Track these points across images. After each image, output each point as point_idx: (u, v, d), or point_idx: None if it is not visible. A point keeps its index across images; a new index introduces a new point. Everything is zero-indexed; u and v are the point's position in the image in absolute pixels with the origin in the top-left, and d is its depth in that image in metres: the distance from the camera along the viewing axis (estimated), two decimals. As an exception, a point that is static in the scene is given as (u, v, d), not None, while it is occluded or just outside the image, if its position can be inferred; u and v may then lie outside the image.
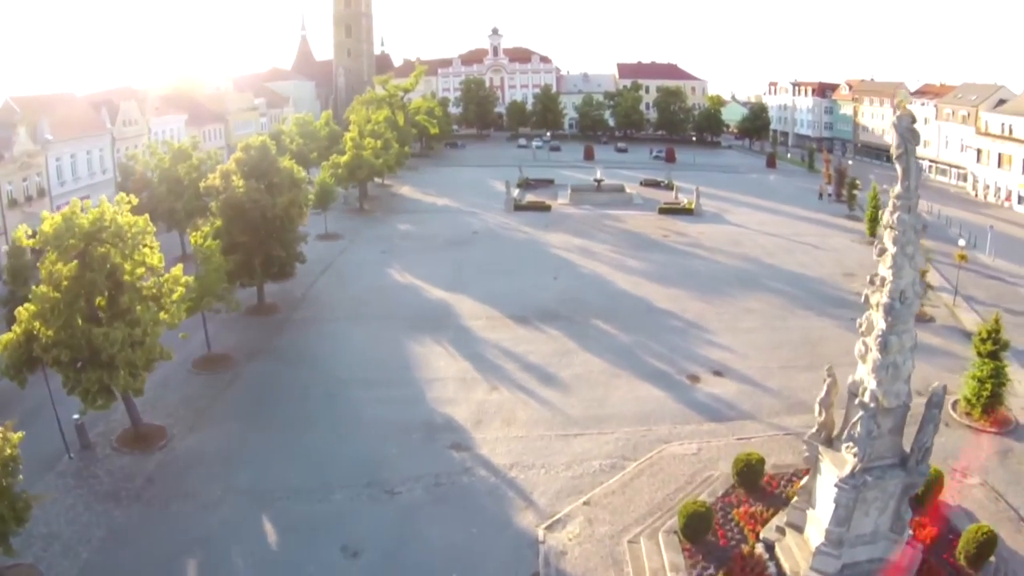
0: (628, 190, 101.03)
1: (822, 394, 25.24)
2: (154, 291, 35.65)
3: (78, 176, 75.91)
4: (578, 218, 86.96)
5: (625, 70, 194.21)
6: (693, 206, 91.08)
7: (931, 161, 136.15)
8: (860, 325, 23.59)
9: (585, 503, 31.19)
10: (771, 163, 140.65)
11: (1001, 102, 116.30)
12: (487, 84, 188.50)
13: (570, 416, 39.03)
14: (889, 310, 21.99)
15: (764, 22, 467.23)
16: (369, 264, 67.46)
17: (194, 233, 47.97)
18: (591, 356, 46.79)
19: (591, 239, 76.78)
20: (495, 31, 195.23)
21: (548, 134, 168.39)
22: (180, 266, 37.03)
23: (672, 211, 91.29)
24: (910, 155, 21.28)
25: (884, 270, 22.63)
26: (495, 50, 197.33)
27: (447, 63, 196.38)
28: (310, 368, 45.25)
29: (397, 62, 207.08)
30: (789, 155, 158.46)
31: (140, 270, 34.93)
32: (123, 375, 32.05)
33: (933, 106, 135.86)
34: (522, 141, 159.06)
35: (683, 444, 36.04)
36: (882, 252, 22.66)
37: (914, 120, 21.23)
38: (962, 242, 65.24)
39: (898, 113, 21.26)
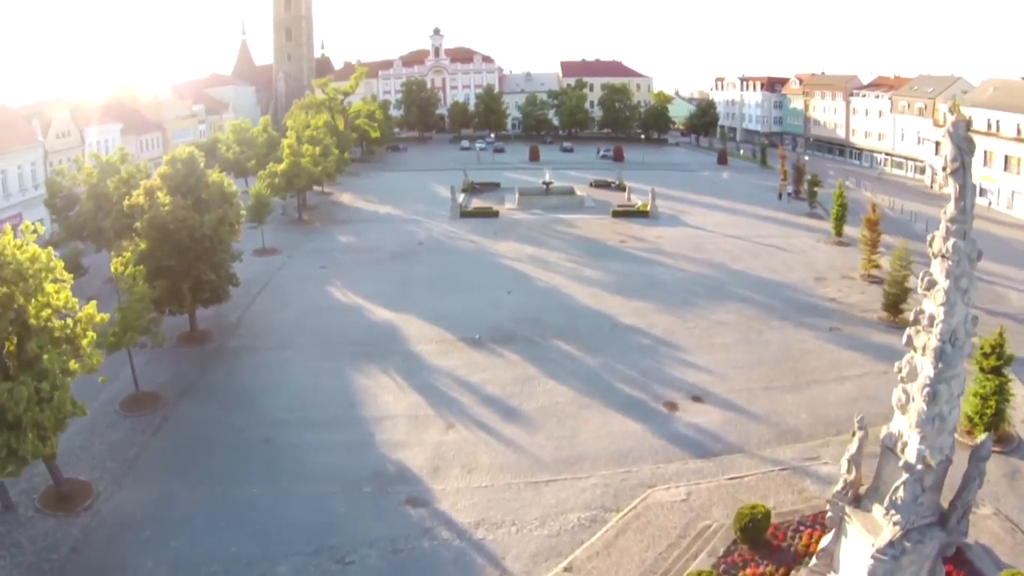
0: (578, 192, 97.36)
1: (852, 450, 21.35)
2: (66, 333, 30.66)
3: (9, 193, 69.28)
4: (528, 224, 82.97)
5: (569, 68, 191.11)
6: (648, 208, 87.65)
7: (887, 154, 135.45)
8: (899, 370, 19.78)
9: (566, 569, 26.99)
10: (722, 160, 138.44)
11: (962, 94, 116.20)
12: (428, 85, 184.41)
13: (539, 458, 34.73)
14: (939, 355, 18.25)
15: (708, 18, 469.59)
16: (309, 281, 62.29)
17: (116, 259, 43.10)
18: (556, 384, 42.51)
19: (544, 247, 72.74)
20: (436, 31, 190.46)
21: (492, 135, 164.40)
22: (94, 303, 31.89)
23: (627, 214, 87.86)
24: (967, 169, 17.52)
25: (933, 307, 18.81)
26: (436, 51, 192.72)
27: (388, 65, 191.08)
28: (246, 408, 40.11)
29: (338, 65, 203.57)
30: (741, 151, 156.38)
31: (46, 312, 30.05)
32: (31, 439, 27.07)
33: (888, 99, 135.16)
34: (465, 143, 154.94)
35: (669, 488, 32.00)
36: (931, 286, 18.81)
37: (969, 126, 17.47)
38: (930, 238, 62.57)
39: (952, 119, 17.39)
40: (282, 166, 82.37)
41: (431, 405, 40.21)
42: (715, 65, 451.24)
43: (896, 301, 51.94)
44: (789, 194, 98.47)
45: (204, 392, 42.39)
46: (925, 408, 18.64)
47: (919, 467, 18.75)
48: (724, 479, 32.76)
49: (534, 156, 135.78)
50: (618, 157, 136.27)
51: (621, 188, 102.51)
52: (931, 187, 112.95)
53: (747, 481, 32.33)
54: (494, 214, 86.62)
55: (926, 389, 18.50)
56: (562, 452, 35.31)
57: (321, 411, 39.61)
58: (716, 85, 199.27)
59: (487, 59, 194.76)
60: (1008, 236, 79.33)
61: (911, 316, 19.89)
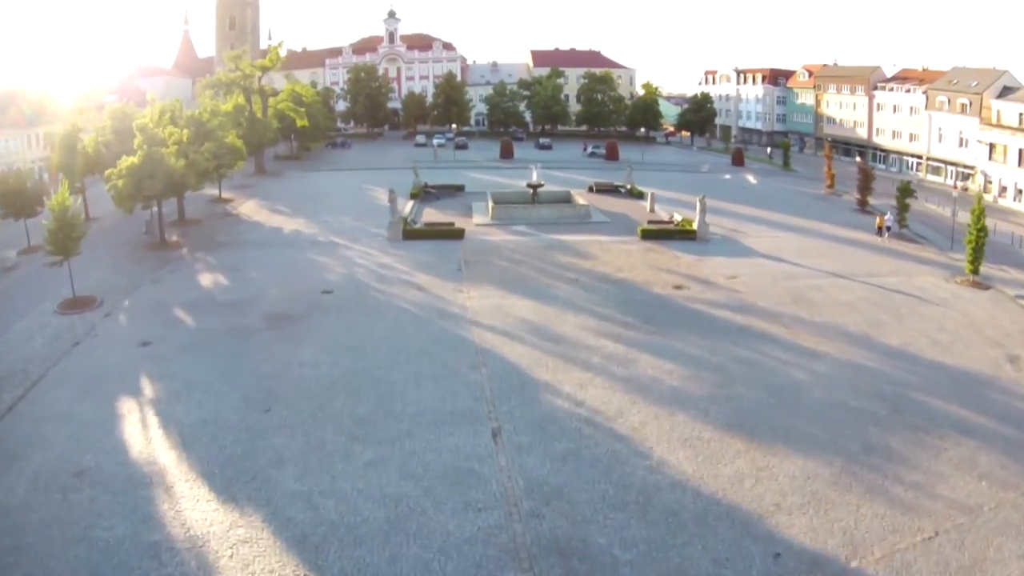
0: (578, 200, 65.26)
1: None
2: None
3: None
4: (512, 251, 50.72)
5: (541, 58, 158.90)
6: (695, 225, 55.47)
7: (921, 157, 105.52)
8: None
9: None
10: (738, 160, 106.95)
11: (1007, 90, 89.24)
12: (380, 73, 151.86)
13: None
14: None
15: (691, 8, 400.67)
16: (107, 383, 29.16)
17: None
18: None
19: (546, 299, 40.03)
20: (391, 14, 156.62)
21: (453, 127, 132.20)
22: None
23: (662, 234, 55.92)
24: None
25: None
26: (391, 36, 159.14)
27: (336, 53, 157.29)
28: None
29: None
30: (770, 152, 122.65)
31: None
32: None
33: (923, 93, 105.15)
34: (420, 139, 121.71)
35: None
36: None
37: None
38: None
39: None
40: (131, 160, 49.60)
41: None
42: (700, 59, 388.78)
43: None
44: (889, 228, 59.77)
45: None
46: None
47: None
48: None
49: (506, 153, 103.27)
50: (612, 155, 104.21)
51: (635, 194, 70.82)
52: (992, 199, 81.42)
53: None
54: (456, 234, 53.95)
55: None
56: None
57: None
58: (706, 79, 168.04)
59: (448, 46, 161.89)
60: None
61: None
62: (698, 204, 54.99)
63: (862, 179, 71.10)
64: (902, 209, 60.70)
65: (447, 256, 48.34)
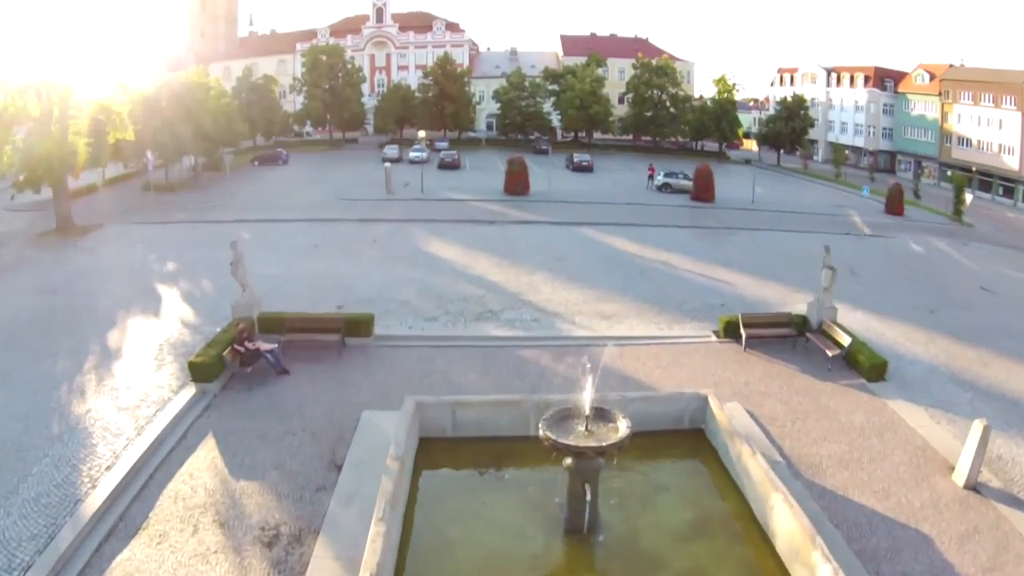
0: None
1: None
2: None
3: None
4: None
5: (572, 45, 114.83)
6: None
7: None
8: None
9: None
10: (896, 205, 61.09)
11: None
12: (365, 63, 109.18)
13: None
14: None
15: None
16: None
17: None
18: None
19: None
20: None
21: (444, 133, 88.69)
22: None
23: None
24: None
25: None
26: (379, 14, 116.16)
27: (311, 35, 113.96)
28: None
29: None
30: (932, 179, 75.66)
31: None
32: None
33: None
34: (390, 150, 76.11)
35: None
36: None
37: None
38: None
39: None
40: None
41: None
42: (765, 54, 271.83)
43: None
44: None
45: None
46: None
47: None
48: None
49: (516, 183, 55.43)
50: (703, 192, 57.06)
51: (864, 369, 22.27)
52: None
53: None
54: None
55: None
56: None
57: None
58: (780, 79, 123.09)
59: (453, 27, 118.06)
60: None
61: None
62: None
63: None
64: None
65: None
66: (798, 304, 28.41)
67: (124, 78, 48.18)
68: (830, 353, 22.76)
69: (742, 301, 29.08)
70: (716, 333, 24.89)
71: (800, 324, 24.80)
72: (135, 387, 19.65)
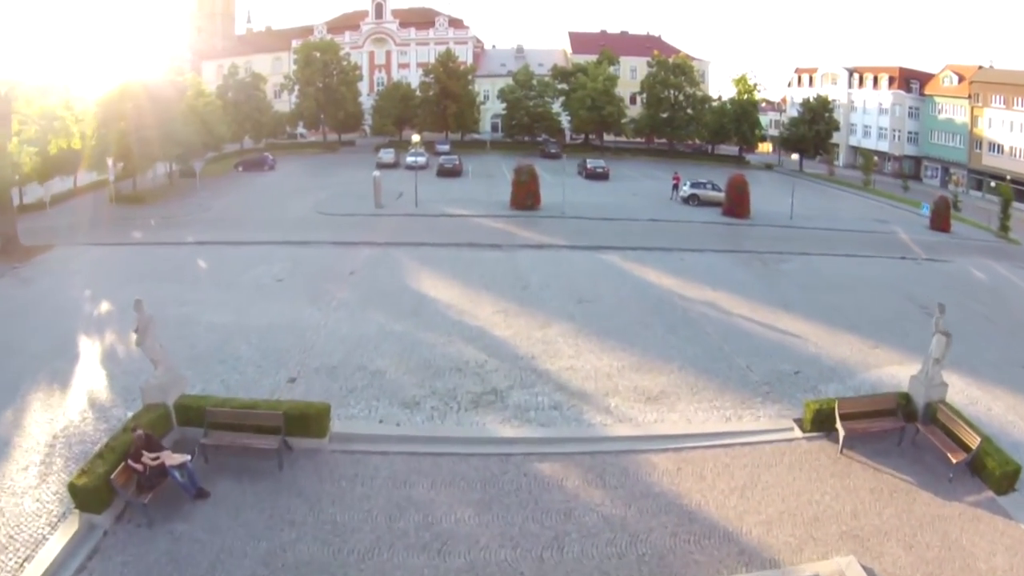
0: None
1: None
2: None
3: None
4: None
5: (582, 43, 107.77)
6: None
7: None
8: None
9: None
10: (943, 220, 53.68)
11: None
12: (364, 62, 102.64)
13: None
14: None
15: None
16: None
17: None
18: None
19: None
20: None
21: (446, 135, 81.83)
22: None
23: None
24: None
25: None
26: (379, 10, 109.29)
27: (307, 32, 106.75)
28: None
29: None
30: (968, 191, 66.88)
31: None
32: None
33: None
34: (386, 155, 69.34)
35: None
36: None
37: None
38: None
39: None
40: None
41: None
42: (778, 53, 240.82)
43: None
44: None
45: None
46: None
47: None
48: None
49: (524, 197, 47.87)
50: (736, 206, 49.27)
51: None
52: None
53: None
54: None
55: None
56: None
57: None
58: (798, 80, 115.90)
59: (456, 23, 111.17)
60: None
61: None
62: None
63: None
64: None
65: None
66: (882, 366, 21.84)
67: (77, 79, 41.31)
68: (954, 459, 16.17)
69: (817, 364, 22.32)
70: (799, 423, 18.23)
71: (904, 407, 18.18)
72: (5, 512, 13.15)
